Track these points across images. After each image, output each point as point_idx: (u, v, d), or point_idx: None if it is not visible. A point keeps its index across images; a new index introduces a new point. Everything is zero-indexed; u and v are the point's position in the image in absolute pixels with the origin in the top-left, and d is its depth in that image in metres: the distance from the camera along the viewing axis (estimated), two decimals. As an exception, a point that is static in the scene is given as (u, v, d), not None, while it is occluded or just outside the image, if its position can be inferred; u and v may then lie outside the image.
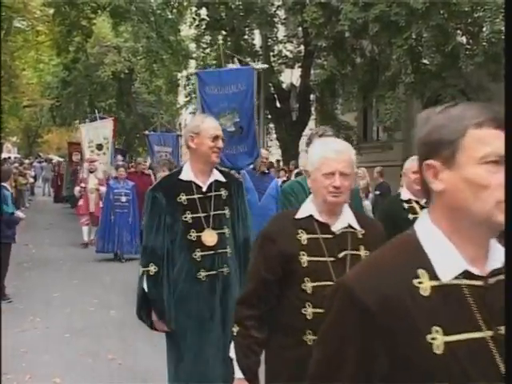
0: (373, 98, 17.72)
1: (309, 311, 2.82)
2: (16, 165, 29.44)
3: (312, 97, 20.86)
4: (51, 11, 23.07)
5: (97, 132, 18.79)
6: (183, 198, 4.13)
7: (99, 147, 18.55)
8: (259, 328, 2.93)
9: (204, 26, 20.94)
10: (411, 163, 5.04)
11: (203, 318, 4.15)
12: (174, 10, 22.93)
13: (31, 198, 30.42)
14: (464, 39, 13.99)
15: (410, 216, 4.92)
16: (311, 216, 2.95)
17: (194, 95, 23.83)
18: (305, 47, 19.59)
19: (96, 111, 20.96)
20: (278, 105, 21.38)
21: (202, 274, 4.10)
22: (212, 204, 4.19)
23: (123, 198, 13.73)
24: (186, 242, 4.12)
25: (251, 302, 2.94)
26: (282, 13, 19.93)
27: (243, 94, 10.43)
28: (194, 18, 21.28)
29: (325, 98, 20.27)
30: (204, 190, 4.20)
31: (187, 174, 4.21)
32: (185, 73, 25.71)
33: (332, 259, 2.84)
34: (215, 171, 4.30)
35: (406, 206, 5.04)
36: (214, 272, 4.13)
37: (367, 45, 16.85)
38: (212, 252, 4.13)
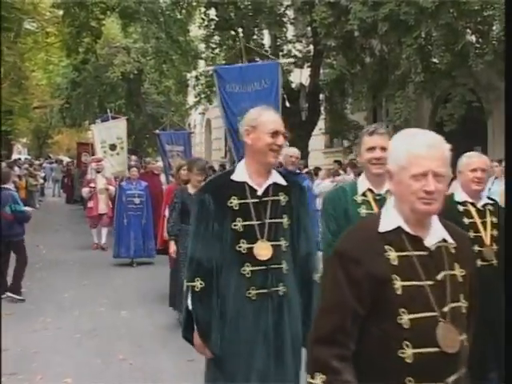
0: (382, 98, 17.70)
1: (408, 353, 2.22)
2: (26, 166, 29.63)
3: (321, 96, 20.80)
4: (61, 13, 23.08)
5: (109, 132, 18.13)
6: (234, 202, 3.55)
7: (112, 147, 17.80)
8: (351, 372, 2.25)
9: (213, 27, 20.93)
10: (469, 160, 4.62)
11: (252, 343, 3.53)
12: (183, 11, 22.86)
13: (41, 198, 30.54)
14: (473, 38, 13.94)
15: (466, 220, 4.46)
16: (399, 228, 2.36)
17: (203, 95, 23.86)
18: (314, 47, 19.54)
19: (108, 111, 20.42)
20: (288, 104, 21.31)
21: (253, 292, 3.50)
22: (268, 211, 3.60)
23: (136, 200, 13.26)
24: (234, 254, 3.52)
25: (336, 338, 2.27)
26: (291, 12, 19.88)
27: (267, 91, 9.72)
28: (202, 19, 21.25)
29: (334, 98, 20.23)
30: (259, 193, 3.61)
31: (241, 174, 3.64)
32: (194, 73, 25.67)
33: (430, 283, 2.30)
34: (274, 172, 3.72)
35: (461, 208, 4.54)
36: (266, 290, 3.51)
37: (377, 44, 16.82)
38: (264, 267, 3.52)
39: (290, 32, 21.04)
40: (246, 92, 9.76)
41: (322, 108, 21.16)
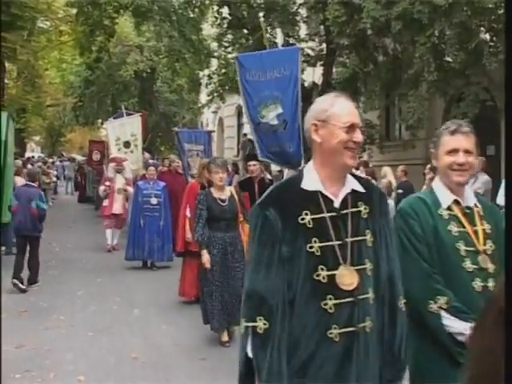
0: (395, 97, 17.63)
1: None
2: (39, 164, 29.78)
3: (334, 95, 20.80)
4: (74, 11, 23.16)
5: (123, 129, 17.64)
6: (307, 217, 2.74)
7: (126, 145, 17.34)
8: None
9: (226, 25, 20.96)
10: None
11: None
12: (196, 9, 22.91)
13: (54, 196, 30.69)
14: (487, 36, 13.87)
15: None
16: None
17: (215, 94, 23.88)
18: (327, 45, 19.52)
19: (123, 107, 19.87)
20: (300, 103, 21.34)
21: (335, 331, 2.71)
22: (349, 226, 2.82)
23: (153, 200, 12.60)
24: (311, 284, 2.72)
25: None
26: (303, 11, 19.88)
27: (286, 79, 9.12)
28: (215, 17, 21.30)
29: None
30: (337, 205, 2.82)
31: (312, 182, 2.84)
32: (206, 72, 25.73)
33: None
34: (350, 177, 2.92)
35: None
36: (352, 329, 2.73)
37: (390, 43, 16.77)
38: (351, 299, 2.73)
39: (303, 30, 21.03)
40: (266, 80, 9.20)
41: (335, 107, 21.11)
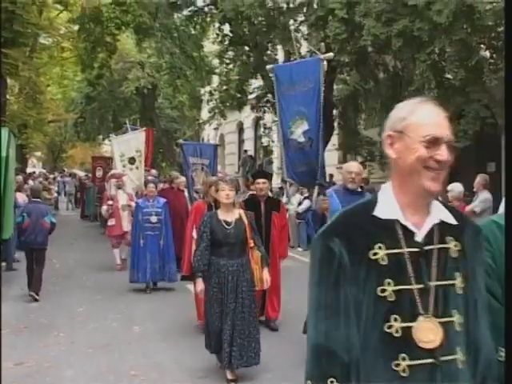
0: (396, 113, 17.70)
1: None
2: (40, 179, 29.81)
3: (335, 112, 20.86)
4: (76, 28, 23.34)
5: (128, 144, 17.12)
6: (381, 253, 2.17)
7: (131, 161, 16.89)
8: None
9: (227, 42, 21.07)
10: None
11: None
12: (197, 26, 23.09)
13: (55, 212, 30.64)
14: (488, 53, 13.95)
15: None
16: None
17: (217, 111, 23.96)
18: (328, 63, 19.59)
19: (127, 122, 19.61)
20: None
21: None
22: (433, 267, 2.19)
23: (153, 219, 11.91)
24: (382, 338, 2.12)
25: None
26: (304, 28, 19.98)
27: (310, 92, 8.74)
28: (217, 34, 21.43)
29: (348, 114, 20.27)
30: (419, 239, 2.20)
31: (388, 208, 2.24)
32: (208, 88, 25.85)
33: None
34: (438, 205, 2.28)
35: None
36: None
37: (390, 60, 16.86)
38: (431, 361, 2.10)
39: (304, 48, 21.12)
40: (294, 94, 8.92)
41: (336, 124, 21.19)
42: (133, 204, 13.81)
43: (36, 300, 10.68)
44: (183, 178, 14.72)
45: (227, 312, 6.48)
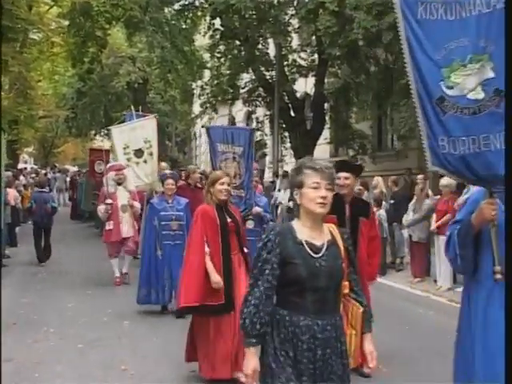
0: (387, 107, 17.72)
1: None
2: (32, 175, 29.69)
3: (326, 105, 20.85)
4: (66, 23, 23.20)
5: (134, 134, 13.87)
6: None
7: (138, 153, 13.65)
8: None
9: (218, 36, 21.02)
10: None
11: None
12: (188, 20, 23.02)
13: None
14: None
15: None
16: None
17: (208, 105, 23.93)
18: (318, 56, 19.59)
19: (132, 107, 16.16)
20: (292, 114, 21.36)
21: None
22: None
23: (174, 224, 9.48)
24: None
25: None
26: (295, 22, 19.96)
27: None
28: (208, 28, 21.38)
29: (339, 107, 20.28)
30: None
31: None
32: (199, 83, 25.80)
33: None
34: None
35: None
36: None
37: (381, 53, 16.84)
38: None
39: (295, 41, 21.11)
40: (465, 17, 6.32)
41: (327, 117, 21.20)
42: (135, 204, 11.97)
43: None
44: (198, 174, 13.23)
45: None
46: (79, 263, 14.45)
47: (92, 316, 9.33)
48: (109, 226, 11.91)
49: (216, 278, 6.11)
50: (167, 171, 11.74)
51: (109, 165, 13.32)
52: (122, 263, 12.18)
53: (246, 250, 6.47)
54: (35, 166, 48.12)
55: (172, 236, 9.51)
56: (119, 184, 12.02)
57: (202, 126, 15.60)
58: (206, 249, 6.17)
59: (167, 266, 9.46)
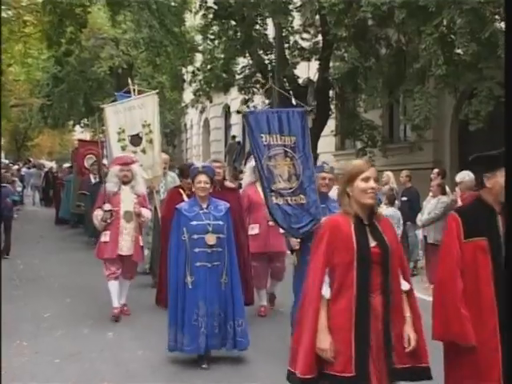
0: (399, 94, 17.67)
1: None
2: (3, 171, 29.56)
3: (331, 93, 20.83)
4: (40, -1, 23.18)
5: (131, 115, 11.96)
6: None
7: (135, 141, 11.82)
8: None
9: (211, 15, 20.98)
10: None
11: None
12: (178, -3, 23.02)
13: (20, 207, 30.48)
14: (503, 25, 13.92)
15: None
16: None
17: (201, 93, 23.88)
18: (323, 37, 19.57)
19: (130, 82, 13.64)
20: (294, 102, 21.32)
21: None
22: None
23: (211, 238, 7.44)
24: None
25: None
26: (297, -1, 19.95)
27: None
28: (200, 6, 21.33)
29: (346, 94, 20.28)
30: None
31: None
32: (190, 68, 25.73)
33: None
34: None
35: None
36: None
37: (393, 34, 16.82)
38: None
39: (297, 21, 21.06)
40: None
41: (333, 106, 21.17)
42: (145, 213, 10.01)
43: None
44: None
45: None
46: (57, 267, 14.41)
47: (71, 327, 9.30)
48: (104, 237, 9.85)
49: (323, 344, 4.28)
50: (198, 164, 9.37)
51: (115, 156, 11.28)
52: (123, 290, 10.28)
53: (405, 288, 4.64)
54: (6, 161, 48.04)
55: (208, 255, 7.45)
56: (124, 183, 9.89)
57: (238, 112, 13.52)
58: (324, 290, 4.36)
59: (202, 298, 7.39)
